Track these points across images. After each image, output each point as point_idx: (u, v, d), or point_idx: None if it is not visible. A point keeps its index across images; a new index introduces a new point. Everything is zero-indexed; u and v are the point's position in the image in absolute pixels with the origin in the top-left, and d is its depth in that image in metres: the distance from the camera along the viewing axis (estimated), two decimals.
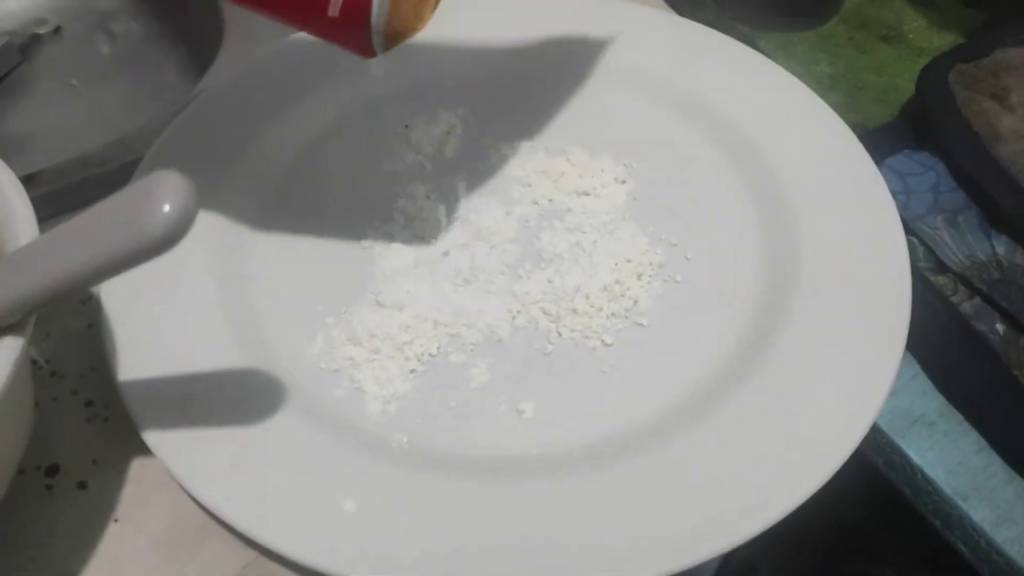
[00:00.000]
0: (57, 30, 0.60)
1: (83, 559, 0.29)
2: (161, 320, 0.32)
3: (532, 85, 0.41)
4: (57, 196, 0.39)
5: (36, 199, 0.26)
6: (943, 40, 0.44)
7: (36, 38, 0.59)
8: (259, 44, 0.45)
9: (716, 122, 0.39)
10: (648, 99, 0.40)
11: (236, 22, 0.48)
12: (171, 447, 0.29)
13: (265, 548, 0.27)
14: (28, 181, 0.40)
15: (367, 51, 0.28)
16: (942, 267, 0.33)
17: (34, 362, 0.33)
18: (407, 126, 0.40)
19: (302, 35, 0.39)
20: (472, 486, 0.28)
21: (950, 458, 0.30)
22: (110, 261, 0.21)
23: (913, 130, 0.38)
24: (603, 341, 0.33)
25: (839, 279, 0.33)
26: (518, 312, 0.33)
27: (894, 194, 0.35)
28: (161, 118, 0.41)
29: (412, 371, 0.32)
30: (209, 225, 0.35)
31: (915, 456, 0.30)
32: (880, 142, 0.37)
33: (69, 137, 0.53)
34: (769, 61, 0.40)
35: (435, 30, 0.42)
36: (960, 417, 0.31)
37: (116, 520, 0.29)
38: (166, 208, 0.20)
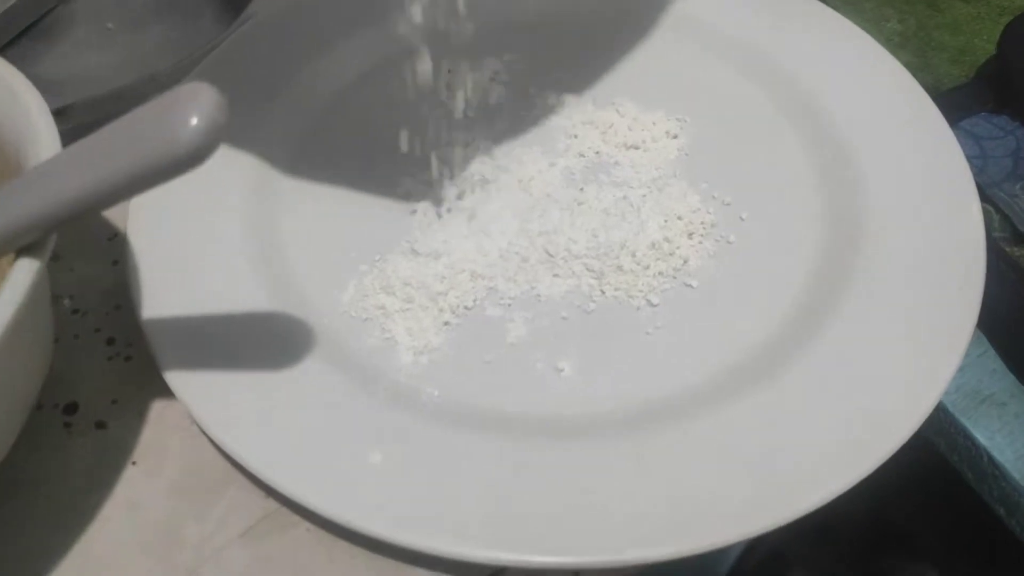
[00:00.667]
0: None
1: (99, 500, 0.27)
2: (189, 259, 0.31)
3: (582, 33, 0.39)
4: (87, 130, 0.38)
5: (65, 133, 0.25)
6: None
7: None
8: None
9: (777, 77, 0.37)
10: (705, 52, 0.38)
11: None
12: (193, 389, 0.28)
13: (286, 497, 0.26)
14: (58, 115, 0.38)
15: None
16: (1019, 237, 0.31)
17: (57, 298, 0.32)
18: (450, 71, 0.38)
19: None
20: (504, 444, 0.27)
21: (1020, 442, 0.28)
22: (133, 176, 0.19)
23: (992, 92, 0.35)
24: (649, 301, 0.31)
25: (906, 247, 0.31)
26: (559, 267, 0.31)
27: (969, 159, 0.32)
28: (195, 57, 0.39)
29: (446, 323, 0.30)
30: (242, 165, 0.34)
31: (982, 438, 0.28)
32: (955, 103, 0.35)
33: (104, 81, 0.52)
34: (835, 14, 0.38)
35: None
36: None
37: (134, 463, 0.28)
38: (194, 121, 0.18)
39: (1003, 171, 0.33)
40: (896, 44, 0.38)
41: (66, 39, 0.55)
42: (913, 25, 0.40)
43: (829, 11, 0.38)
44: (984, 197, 0.32)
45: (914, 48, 0.39)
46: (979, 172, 0.32)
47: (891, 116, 0.34)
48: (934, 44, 0.40)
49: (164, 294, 0.30)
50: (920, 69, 0.36)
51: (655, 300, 0.31)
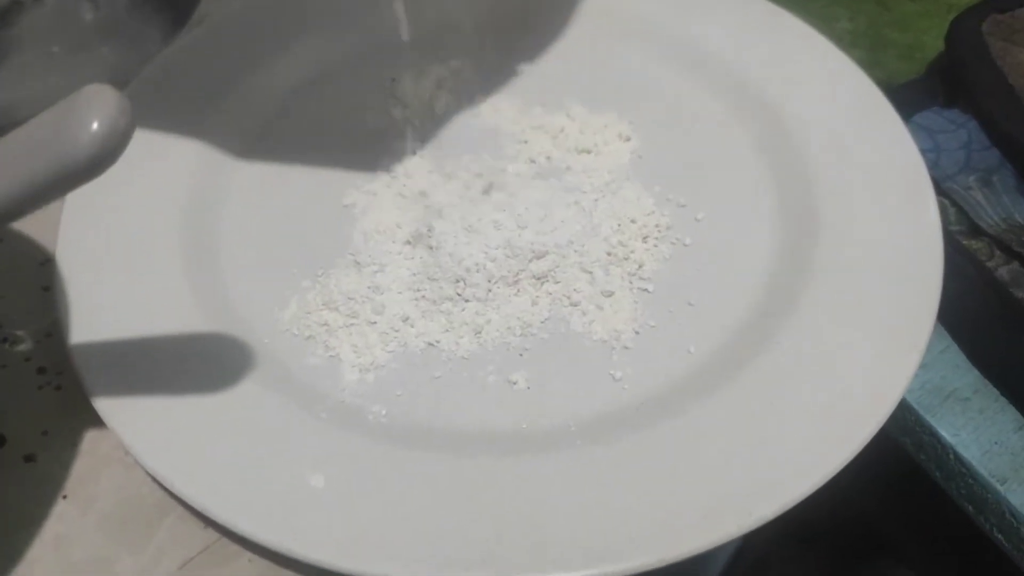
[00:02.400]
0: None
1: (27, 538, 0.26)
2: (122, 282, 0.30)
3: (530, 37, 0.38)
4: None
5: None
6: None
7: (17, 5, 0.57)
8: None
9: (728, 77, 0.36)
10: (655, 53, 0.37)
11: None
12: (125, 416, 0.26)
13: (225, 528, 0.24)
14: None
15: None
16: (976, 230, 0.30)
17: None
18: (394, 79, 0.37)
19: None
20: (455, 462, 0.25)
21: (986, 437, 0.27)
22: (33, 187, 0.18)
23: (943, 86, 0.35)
24: (603, 308, 0.30)
25: (864, 243, 0.30)
26: (510, 276, 0.30)
27: (923, 152, 0.32)
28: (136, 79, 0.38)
29: (393, 338, 0.29)
30: (177, 179, 0.33)
31: (947, 435, 0.28)
32: (907, 98, 0.34)
33: (50, 104, 0.51)
34: (784, 12, 0.37)
35: None
36: (996, 393, 0.28)
37: (65, 496, 0.27)
38: (95, 126, 0.17)
39: (956, 164, 0.32)
40: (847, 42, 0.38)
41: (10, 63, 0.54)
42: (863, 23, 0.40)
43: (779, 10, 0.38)
44: (939, 191, 0.31)
45: (865, 46, 0.39)
46: (933, 165, 0.32)
47: (844, 112, 0.34)
48: (884, 41, 0.39)
49: (96, 319, 0.28)
50: (871, 66, 0.35)
51: (610, 306, 0.30)
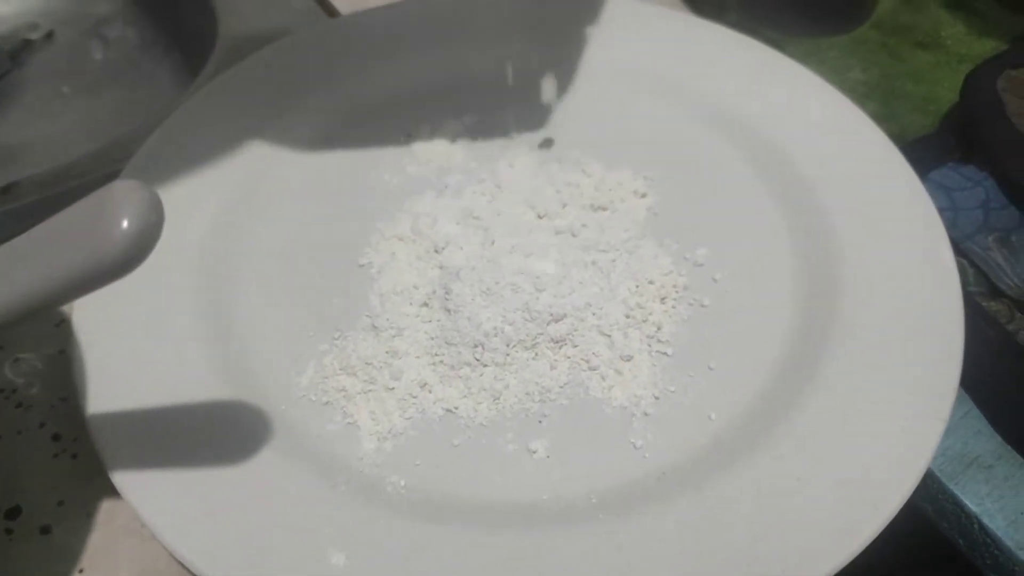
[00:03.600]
0: (49, 35, 0.58)
1: None
2: (136, 346, 0.30)
3: (544, 92, 0.38)
4: (36, 209, 0.37)
5: (13, 212, 0.23)
6: (984, 47, 0.41)
7: (27, 44, 0.57)
8: (253, 50, 0.42)
9: (744, 132, 0.36)
10: (670, 107, 0.37)
11: (229, 27, 0.46)
12: (142, 489, 0.26)
13: None
14: (5, 192, 0.37)
15: None
16: (995, 292, 0.30)
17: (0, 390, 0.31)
18: (409, 135, 0.37)
19: (295, 38, 0.37)
20: (476, 537, 0.25)
21: (1011, 506, 0.27)
22: (64, 285, 0.18)
23: (958, 141, 0.35)
24: (623, 373, 0.29)
25: (883, 306, 0.30)
26: (527, 340, 0.30)
27: (940, 211, 0.32)
28: (147, 126, 0.38)
29: (411, 405, 0.29)
30: (191, 242, 0.33)
31: (972, 504, 0.27)
32: (922, 154, 0.34)
33: (60, 146, 0.51)
34: (799, 66, 0.37)
35: (440, 31, 0.40)
36: (1021, 460, 0.28)
37: (81, 571, 0.27)
38: (125, 224, 0.17)
39: (974, 223, 0.32)
40: (861, 94, 0.38)
41: (21, 104, 0.54)
42: (876, 75, 0.40)
43: (792, 63, 0.38)
44: (958, 251, 0.31)
45: (879, 98, 0.39)
46: (951, 225, 0.32)
47: (859, 168, 0.34)
48: (898, 93, 0.39)
49: (111, 386, 0.28)
50: (885, 119, 0.35)
51: (629, 371, 0.29)
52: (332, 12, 0.46)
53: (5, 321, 0.18)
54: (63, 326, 0.32)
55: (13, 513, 0.28)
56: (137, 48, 0.57)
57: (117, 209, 0.17)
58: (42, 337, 0.32)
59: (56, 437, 0.29)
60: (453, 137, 0.37)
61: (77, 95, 0.55)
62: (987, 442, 0.29)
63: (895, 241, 0.31)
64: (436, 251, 0.32)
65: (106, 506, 0.28)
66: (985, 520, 0.27)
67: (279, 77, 0.38)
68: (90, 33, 0.59)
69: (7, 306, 0.18)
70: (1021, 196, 0.32)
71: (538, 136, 0.37)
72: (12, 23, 0.58)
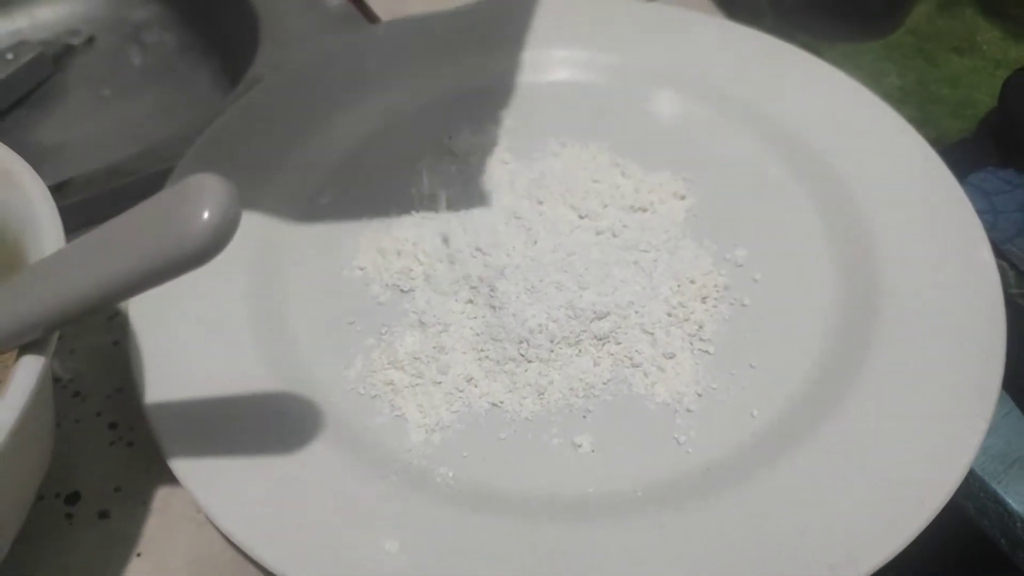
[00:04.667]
0: (90, 41, 0.59)
1: None
2: (191, 339, 0.30)
3: (585, 95, 0.39)
4: (86, 206, 0.38)
5: (64, 209, 0.24)
6: (1020, 51, 0.41)
7: (69, 49, 0.59)
8: (294, 54, 0.43)
9: (782, 135, 0.36)
10: (708, 111, 0.38)
11: (270, 32, 0.47)
12: (198, 476, 0.27)
13: None
14: (56, 191, 0.38)
15: None
16: None
17: (56, 380, 0.32)
18: (451, 136, 0.38)
19: (341, 41, 0.37)
20: (522, 529, 0.26)
21: None
22: (144, 273, 0.18)
23: (996, 145, 0.35)
24: (666, 370, 0.30)
25: (924, 306, 0.30)
26: (571, 335, 0.30)
27: (979, 214, 0.32)
28: (193, 127, 0.39)
29: (458, 399, 0.29)
30: (243, 239, 0.33)
31: (1014, 503, 0.28)
32: (960, 158, 0.35)
33: (101, 149, 0.52)
34: (836, 70, 0.38)
35: (484, 35, 0.40)
36: None
37: (139, 554, 0.27)
38: (206, 215, 0.18)
39: (1015, 226, 0.32)
40: (897, 99, 0.38)
41: (62, 107, 0.55)
42: (912, 80, 0.40)
43: (828, 66, 0.38)
44: (998, 253, 0.31)
45: (915, 103, 0.39)
46: (991, 228, 0.32)
47: (899, 172, 0.34)
48: (934, 98, 0.40)
49: (166, 376, 0.29)
50: (923, 123, 0.36)
51: (672, 368, 0.30)
52: (372, 18, 0.47)
53: (87, 308, 0.19)
54: (116, 319, 0.33)
55: (72, 499, 0.28)
56: (176, 52, 0.59)
57: (198, 200, 0.18)
58: (97, 330, 0.33)
59: (112, 426, 0.30)
60: (494, 139, 0.37)
61: (116, 98, 0.57)
62: None
63: (934, 242, 0.32)
64: (481, 250, 0.33)
65: (162, 493, 0.28)
66: None
67: (323, 82, 0.39)
68: (130, 38, 0.60)
69: (93, 294, 0.19)
70: None
71: (577, 139, 0.37)
72: (54, 29, 0.60)
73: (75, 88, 0.57)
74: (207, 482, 0.26)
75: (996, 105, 0.36)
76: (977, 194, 0.33)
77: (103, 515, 0.28)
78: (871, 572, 0.24)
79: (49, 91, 0.56)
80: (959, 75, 0.40)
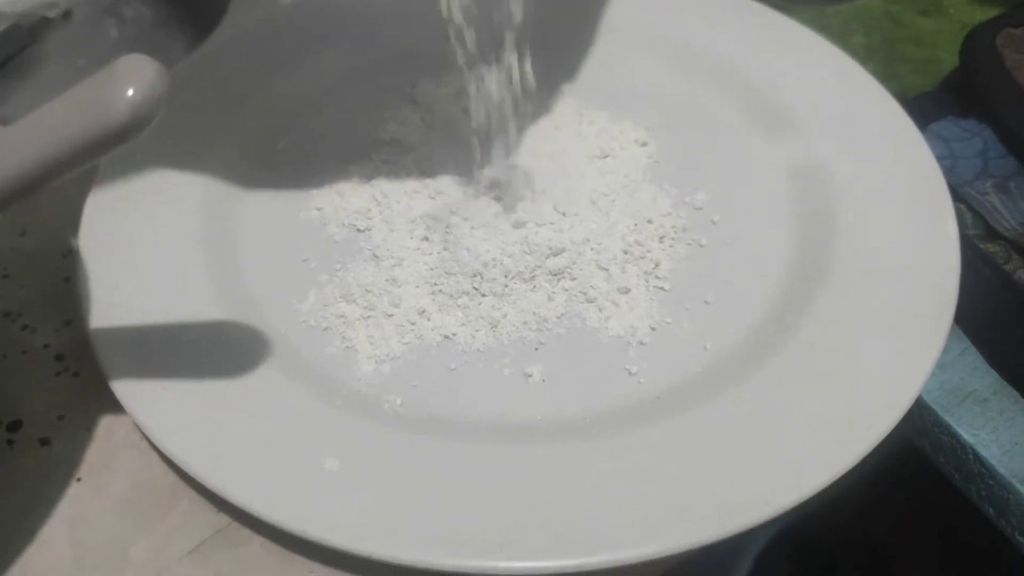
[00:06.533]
0: (67, 14, 0.59)
1: (41, 518, 0.26)
2: (142, 272, 0.30)
3: (548, 45, 0.39)
4: None
5: None
6: (986, 15, 0.41)
7: (46, 21, 0.58)
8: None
9: (744, 86, 0.36)
10: (672, 62, 0.38)
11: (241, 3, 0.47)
12: (141, 400, 0.26)
13: (238, 510, 0.24)
14: None
15: None
16: (993, 234, 0.30)
17: (5, 314, 0.31)
18: (414, 86, 0.37)
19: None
20: (468, 448, 0.25)
21: (1006, 437, 0.27)
22: (72, 148, 0.18)
23: (957, 98, 0.35)
24: (619, 304, 0.30)
25: (880, 246, 0.30)
26: (526, 271, 0.30)
27: (939, 160, 0.32)
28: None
29: (409, 331, 0.29)
30: (200, 177, 0.33)
31: (966, 435, 0.27)
32: (922, 109, 0.35)
33: None
34: (800, 26, 0.38)
35: None
36: (1016, 395, 0.28)
37: (79, 479, 0.27)
38: (130, 92, 0.18)
39: (973, 170, 0.32)
40: (862, 56, 0.38)
41: (37, 78, 0.55)
42: (878, 39, 0.40)
43: (794, 22, 0.38)
44: (956, 196, 0.31)
45: (880, 59, 0.39)
46: (949, 172, 0.32)
47: (858, 120, 0.34)
48: (899, 56, 0.40)
49: (115, 306, 0.29)
50: (886, 79, 0.36)
51: (626, 303, 0.30)
52: None
53: (24, 185, 0.19)
54: (69, 257, 0.33)
55: (14, 426, 0.28)
56: (152, 24, 0.58)
57: (124, 78, 0.18)
58: (49, 267, 0.32)
59: (59, 357, 0.30)
60: (457, 88, 0.37)
61: (93, 70, 0.56)
62: (983, 378, 0.29)
63: (892, 183, 0.32)
64: (440, 189, 0.33)
65: (105, 421, 0.28)
66: (980, 450, 0.27)
67: (286, 33, 0.39)
68: (107, 11, 0.59)
69: (25, 169, 0.19)
70: (1020, 146, 0.33)
71: (541, 89, 0.37)
72: (31, 1, 0.59)
73: (50, 59, 0.56)
74: (149, 404, 0.26)
75: (959, 62, 0.36)
76: (937, 141, 0.33)
77: (44, 442, 0.28)
78: (813, 491, 0.24)
79: (24, 62, 0.56)
80: (924, 35, 0.40)
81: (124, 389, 0.26)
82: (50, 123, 0.19)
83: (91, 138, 0.18)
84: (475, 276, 0.30)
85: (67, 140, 0.18)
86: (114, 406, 0.27)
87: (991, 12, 0.41)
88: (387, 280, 0.30)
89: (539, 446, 0.26)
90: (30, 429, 0.28)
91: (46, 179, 0.19)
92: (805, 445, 0.25)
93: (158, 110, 0.18)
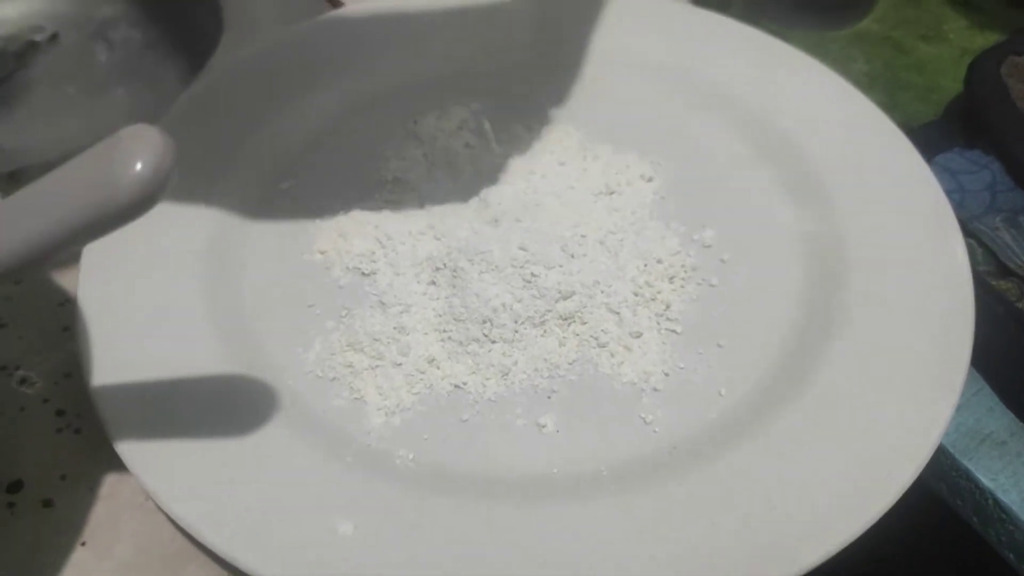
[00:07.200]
0: (54, 37, 0.58)
1: None
2: (143, 323, 0.29)
3: (551, 79, 0.38)
4: None
5: None
6: (987, 40, 0.41)
7: (33, 45, 0.57)
8: (257, 39, 0.42)
9: (750, 118, 0.36)
10: (677, 95, 0.37)
11: (235, 22, 0.46)
12: (146, 460, 0.25)
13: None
14: (11, 177, 0.37)
15: None
16: (1004, 271, 0.30)
17: (2, 368, 0.30)
18: (416, 121, 0.37)
19: (303, 27, 0.36)
20: (484, 509, 0.25)
21: None
22: (74, 227, 0.18)
23: (962, 127, 0.35)
24: (631, 349, 0.29)
25: (892, 284, 0.30)
26: (536, 315, 0.30)
27: (947, 193, 0.32)
28: (156, 121, 0.38)
29: (419, 380, 0.29)
30: (201, 222, 0.32)
31: (985, 479, 0.27)
32: (927, 140, 0.34)
33: (65, 146, 0.51)
34: (804, 55, 0.38)
35: (447, 20, 0.40)
36: None
37: (83, 543, 0.26)
38: (138, 166, 0.17)
39: (982, 204, 0.32)
40: (864, 84, 0.38)
41: (25, 105, 0.54)
42: (880, 66, 0.40)
43: (796, 51, 0.38)
44: (966, 231, 0.31)
45: (882, 87, 0.39)
46: (958, 206, 0.32)
47: (866, 153, 0.34)
48: (901, 83, 0.40)
49: (116, 360, 0.28)
50: (890, 108, 0.36)
51: (638, 348, 0.29)
52: (337, 4, 0.46)
53: (26, 261, 0.18)
54: (67, 306, 0.32)
55: (15, 487, 0.27)
56: (141, 50, 0.58)
57: (130, 151, 0.17)
58: (47, 317, 0.32)
59: (60, 413, 0.29)
60: (460, 123, 0.37)
61: (82, 96, 0.55)
62: (1000, 419, 0.28)
63: (902, 221, 0.31)
64: (445, 231, 0.32)
65: (109, 480, 0.27)
66: (1000, 495, 0.27)
67: (286, 65, 0.38)
68: (95, 35, 0.59)
69: (22, 246, 0.18)
70: None
71: (544, 122, 0.37)
72: (17, 25, 0.58)
73: (39, 86, 0.55)
74: (155, 465, 0.25)
75: (962, 90, 0.36)
76: (944, 174, 0.33)
77: (47, 504, 0.27)
78: (840, 547, 0.23)
79: (12, 89, 0.55)
80: (926, 62, 0.40)
81: (129, 450, 0.26)
82: (50, 200, 0.18)
83: (95, 217, 0.17)
84: (485, 322, 0.29)
85: (68, 220, 0.18)
86: (118, 464, 0.26)
87: (991, 37, 0.41)
88: (395, 328, 0.29)
89: (556, 503, 0.25)
90: (32, 490, 0.27)
91: (42, 259, 0.18)
92: (826, 499, 0.24)
93: (167, 185, 0.18)
